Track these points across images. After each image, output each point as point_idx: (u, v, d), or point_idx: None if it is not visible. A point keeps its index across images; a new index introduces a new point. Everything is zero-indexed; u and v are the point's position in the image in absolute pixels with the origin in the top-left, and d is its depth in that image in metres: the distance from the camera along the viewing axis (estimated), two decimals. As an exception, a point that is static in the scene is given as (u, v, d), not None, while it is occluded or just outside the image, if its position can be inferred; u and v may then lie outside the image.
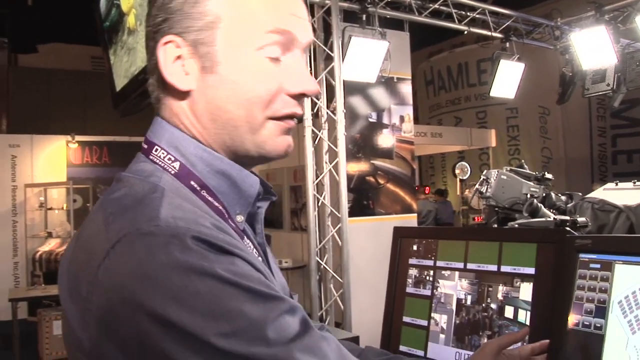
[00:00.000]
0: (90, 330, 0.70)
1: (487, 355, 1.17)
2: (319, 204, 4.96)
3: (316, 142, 4.95)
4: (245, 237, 0.87)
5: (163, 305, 0.64)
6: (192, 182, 0.83)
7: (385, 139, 5.53)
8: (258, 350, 0.65)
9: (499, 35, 6.49)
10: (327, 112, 4.91)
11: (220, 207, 0.84)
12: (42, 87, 12.94)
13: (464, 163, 12.11)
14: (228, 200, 0.86)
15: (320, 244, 4.94)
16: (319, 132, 4.92)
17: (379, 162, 5.45)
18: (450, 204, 12.31)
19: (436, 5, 5.88)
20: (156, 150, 0.86)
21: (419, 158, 15.69)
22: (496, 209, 4.14)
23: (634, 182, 3.69)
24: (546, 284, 1.47)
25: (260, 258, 0.88)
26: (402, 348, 1.78)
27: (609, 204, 3.30)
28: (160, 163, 0.84)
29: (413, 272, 1.82)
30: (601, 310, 1.23)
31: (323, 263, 4.90)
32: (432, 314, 1.71)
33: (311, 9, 4.97)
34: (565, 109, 12.29)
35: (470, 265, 1.66)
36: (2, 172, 8.68)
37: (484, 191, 4.12)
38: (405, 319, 1.80)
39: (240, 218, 0.88)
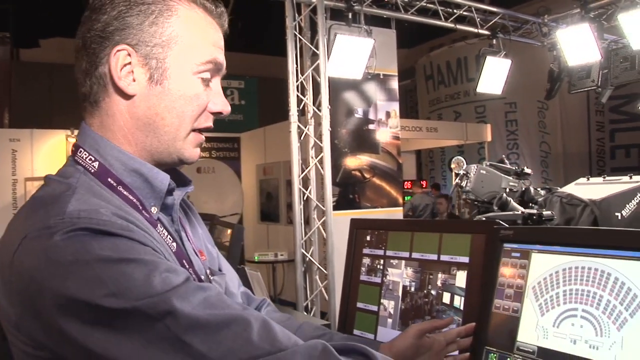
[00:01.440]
0: (14, 307, 0.86)
1: (409, 338, 1.28)
2: (305, 198, 5.08)
3: (302, 138, 5.07)
4: (160, 225, 1.02)
5: (58, 284, 0.80)
6: (110, 180, 0.98)
7: (371, 134, 5.63)
8: (141, 303, 0.80)
9: (486, 32, 6.56)
10: (313, 109, 5.02)
11: (135, 201, 0.99)
12: (44, 81, 13.02)
13: (460, 157, 12.10)
14: (143, 194, 1.01)
15: (305, 236, 5.06)
16: (305, 127, 5.04)
17: (365, 157, 5.55)
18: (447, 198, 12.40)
19: (423, 3, 5.97)
20: (80, 152, 1.01)
21: (418, 152, 15.75)
22: (476, 202, 4.25)
23: (604, 178, 3.79)
24: (477, 271, 1.58)
25: (174, 244, 1.03)
26: (355, 332, 1.90)
27: (576, 198, 3.40)
28: (82, 163, 0.99)
29: (366, 261, 1.94)
30: (518, 295, 1.35)
31: (309, 255, 5.03)
32: (382, 300, 1.83)
33: (298, 7, 5.08)
34: (563, 103, 12.32)
35: (414, 255, 1.78)
36: (2, 166, 8.77)
37: (464, 185, 4.23)
38: (359, 304, 1.92)
39: (154, 210, 1.02)
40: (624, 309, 1.13)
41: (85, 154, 1.00)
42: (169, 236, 1.03)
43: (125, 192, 0.98)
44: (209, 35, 1.04)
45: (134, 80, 0.99)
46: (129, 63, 0.98)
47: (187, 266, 1.03)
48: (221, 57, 1.05)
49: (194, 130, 1.04)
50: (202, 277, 1.08)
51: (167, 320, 0.80)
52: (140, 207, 0.99)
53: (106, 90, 1.00)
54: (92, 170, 0.98)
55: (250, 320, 0.86)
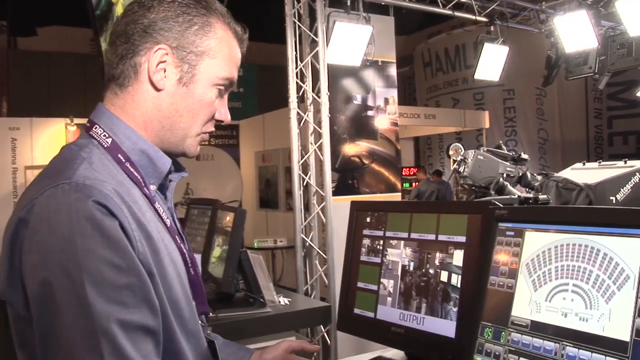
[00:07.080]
0: (24, 253, 0.96)
1: (279, 350, 1.45)
2: (305, 184, 5.14)
3: (302, 124, 5.12)
4: (157, 202, 1.16)
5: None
6: (119, 155, 1.11)
7: (369, 121, 5.67)
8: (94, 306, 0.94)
9: (484, 19, 6.58)
10: (312, 95, 5.07)
11: (139, 177, 1.12)
12: (42, 70, 13.03)
13: (457, 144, 12.09)
14: (146, 172, 1.15)
15: (305, 221, 5.13)
16: (304, 114, 5.09)
17: (363, 143, 5.60)
18: (449, 184, 12.43)
19: (421, -11, 5.98)
20: (95, 127, 1.14)
21: (416, 139, 15.77)
22: (473, 187, 4.30)
23: (599, 162, 3.84)
24: (474, 250, 1.64)
25: (168, 220, 1.18)
26: (356, 311, 1.97)
27: (572, 183, 3.44)
28: (97, 137, 1.12)
29: (366, 241, 2.00)
30: (513, 272, 1.41)
31: (308, 240, 5.09)
32: (382, 280, 1.90)
33: (297, -6, 5.11)
34: (561, 91, 12.35)
35: (413, 235, 1.84)
36: (2, 154, 8.76)
37: (462, 171, 4.27)
38: (359, 284, 1.98)
39: (153, 187, 1.17)
40: (612, 282, 1.19)
41: (100, 130, 1.13)
42: (164, 212, 1.17)
43: (131, 169, 1.11)
44: (234, 56, 1.21)
45: (165, 77, 1.13)
46: (165, 61, 1.13)
47: (178, 240, 1.19)
48: (236, 76, 1.22)
49: (201, 132, 1.20)
50: (186, 254, 1.21)
51: (103, 337, 0.92)
52: (142, 184, 1.12)
53: (137, 78, 1.14)
54: (105, 145, 1.11)
55: None
